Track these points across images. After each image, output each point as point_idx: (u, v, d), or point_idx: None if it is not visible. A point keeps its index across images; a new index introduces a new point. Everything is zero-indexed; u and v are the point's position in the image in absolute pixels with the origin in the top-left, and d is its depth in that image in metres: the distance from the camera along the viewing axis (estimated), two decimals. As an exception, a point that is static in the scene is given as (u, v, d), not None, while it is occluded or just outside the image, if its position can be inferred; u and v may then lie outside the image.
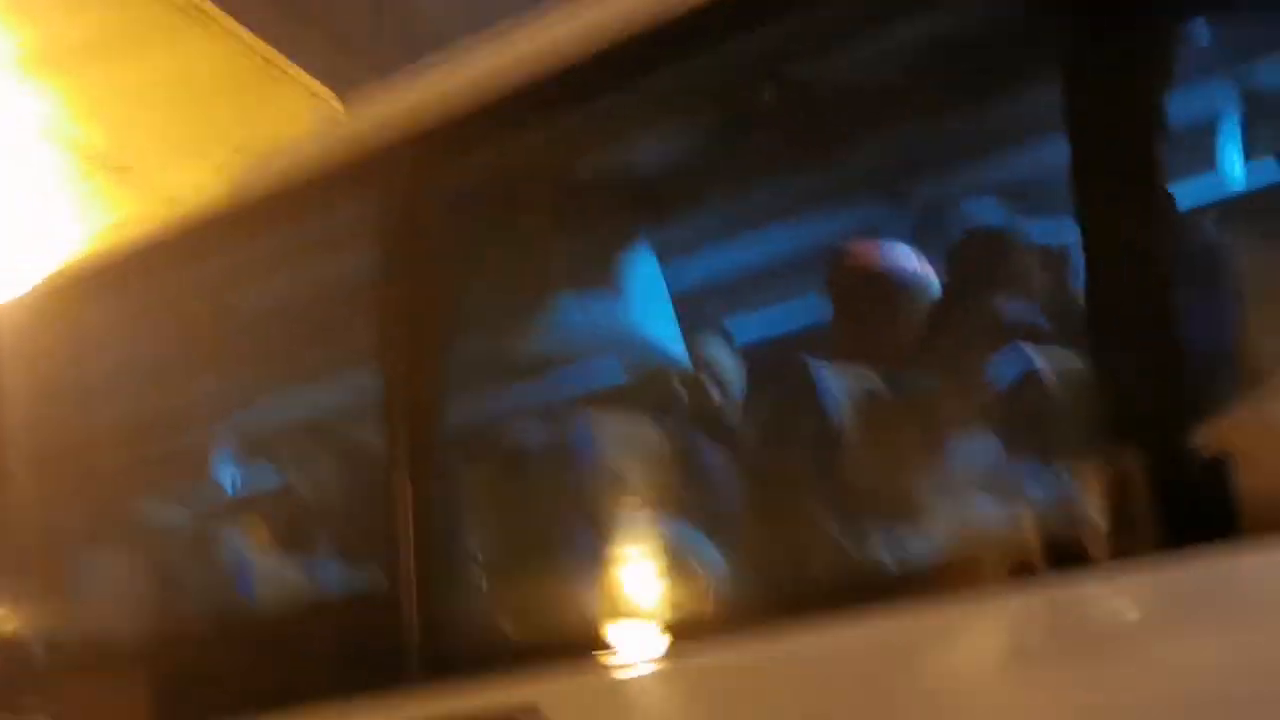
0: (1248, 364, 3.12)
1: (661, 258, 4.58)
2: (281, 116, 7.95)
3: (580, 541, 3.96)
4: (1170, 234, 3.10)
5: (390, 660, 3.88)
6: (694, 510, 3.91)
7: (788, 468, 3.85)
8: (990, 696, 3.12)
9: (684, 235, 4.67)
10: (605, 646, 3.63)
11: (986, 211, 4.16)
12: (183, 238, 4.76)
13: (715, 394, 4.38)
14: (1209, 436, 2.90)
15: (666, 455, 4.07)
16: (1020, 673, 3.09)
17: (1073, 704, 3.00)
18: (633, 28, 3.78)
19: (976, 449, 3.56)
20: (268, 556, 5.03)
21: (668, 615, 3.69)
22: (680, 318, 4.62)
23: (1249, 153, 3.97)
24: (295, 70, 8.34)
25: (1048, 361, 3.53)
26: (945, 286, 4.15)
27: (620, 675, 3.61)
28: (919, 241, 4.26)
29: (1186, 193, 3.50)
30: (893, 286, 4.14)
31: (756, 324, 4.74)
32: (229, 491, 5.75)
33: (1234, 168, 3.98)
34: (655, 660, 3.56)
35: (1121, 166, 3.06)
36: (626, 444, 4.06)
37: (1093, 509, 3.05)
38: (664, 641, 3.57)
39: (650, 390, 4.51)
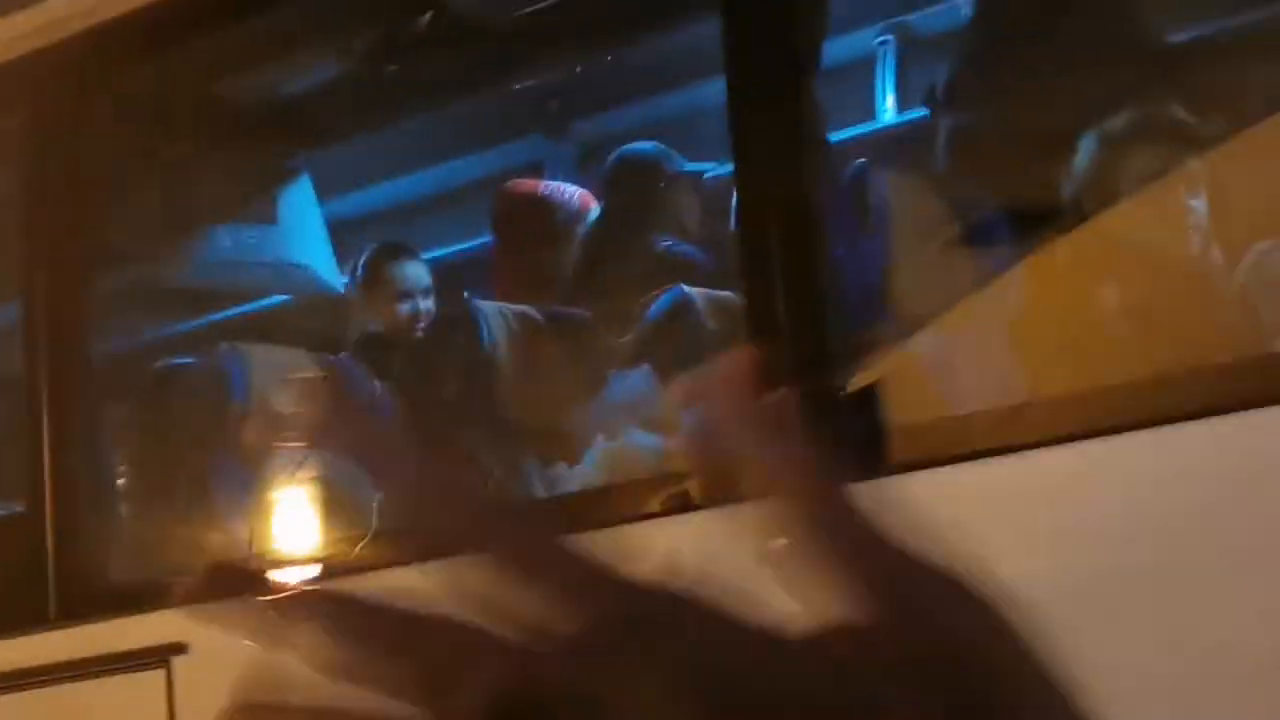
0: (899, 300, 3.18)
1: (319, 187, 4.50)
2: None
3: (232, 476, 3.88)
4: (823, 172, 3.14)
5: (30, 598, 3.76)
6: (350, 443, 3.85)
7: (447, 402, 3.82)
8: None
9: (343, 165, 4.60)
10: (259, 583, 3.57)
11: (642, 145, 4.18)
12: None
13: (374, 326, 4.32)
14: (860, 373, 2.95)
15: (322, 388, 4.01)
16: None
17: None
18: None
19: (632, 381, 3.58)
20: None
21: (324, 551, 3.64)
22: (338, 248, 4.55)
23: (902, 94, 4.05)
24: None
25: (701, 295, 3.56)
26: (602, 219, 4.16)
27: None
28: (578, 177, 4.26)
29: (842, 132, 3.55)
30: (552, 218, 4.14)
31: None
32: None
33: (887, 108, 4.06)
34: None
35: (777, 105, 3.08)
36: (281, 376, 3.98)
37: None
38: (320, 577, 3.52)
39: (306, 321, 4.45)
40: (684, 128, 4.26)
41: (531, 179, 4.36)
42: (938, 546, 0.66)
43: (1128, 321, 2.90)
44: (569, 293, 4.01)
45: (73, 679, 3.69)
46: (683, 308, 3.56)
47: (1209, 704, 2.51)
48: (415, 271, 4.25)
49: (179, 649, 3.51)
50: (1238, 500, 2.53)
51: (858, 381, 2.93)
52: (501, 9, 3.99)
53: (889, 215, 3.30)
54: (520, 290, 4.04)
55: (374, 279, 4.26)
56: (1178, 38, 3.37)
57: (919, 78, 3.96)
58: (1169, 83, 3.16)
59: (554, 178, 4.41)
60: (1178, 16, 3.36)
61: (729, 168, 3.66)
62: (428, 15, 3.91)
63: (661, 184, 4.06)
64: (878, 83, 4.10)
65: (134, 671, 3.58)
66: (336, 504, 3.70)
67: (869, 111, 4.07)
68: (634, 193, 4.08)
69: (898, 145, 3.80)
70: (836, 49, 3.30)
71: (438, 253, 4.62)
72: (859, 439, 2.90)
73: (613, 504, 3.25)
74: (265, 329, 4.42)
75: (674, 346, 3.56)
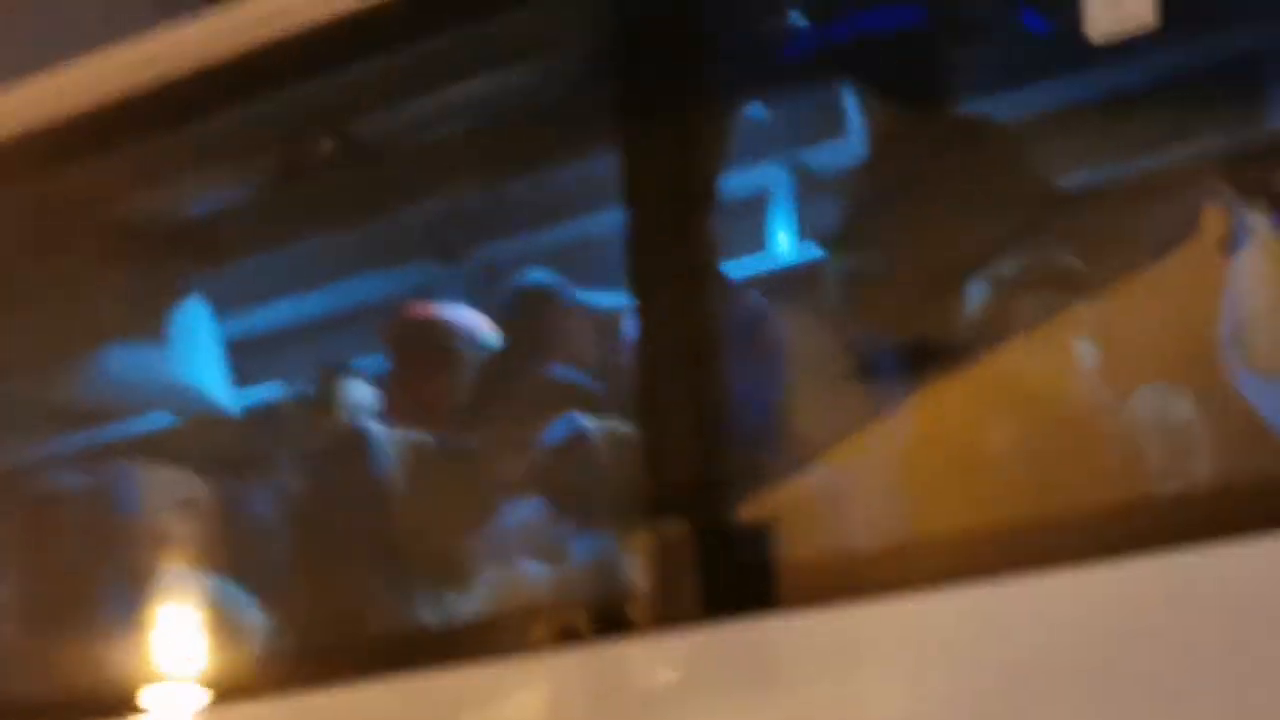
0: (792, 434, 3.20)
1: (215, 306, 4.49)
2: None
3: (118, 595, 3.84)
4: (719, 306, 3.17)
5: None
6: (238, 565, 3.84)
7: (337, 525, 3.81)
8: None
9: (239, 284, 4.58)
10: (140, 705, 3.53)
11: (539, 274, 4.20)
12: None
13: (268, 446, 4.30)
14: (752, 506, 2.97)
15: (211, 508, 3.98)
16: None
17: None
18: (189, 67, 3.70)
19: (524, 510, 3.58)
20: None
21: (208, 672, 3.60)
22: (233, 367, 4.53)
23: (797, 230, 4.09)
24: None
25: (596, 425, 3.57)
26: (499, 347, 4.17)
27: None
28: (474, 302, 4.27)
29: (736, 266, 3.59)
30: (448, 343, 4.15)
31: (310, 377, 4.67)
32: None
33: (782, 244, 4.10)
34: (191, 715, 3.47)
35: (673, 238, 3.11)
36: (170, 495, 3.95)
37: (637, 574, 3.09)
38: (203, 699, 3.48)
39: (197, 440, 4.42)
40: (578, 256, 4.28)
41: (426, 303, 4.36)
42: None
43: (1016, 461, 2.93)
44: (463, 418, 4.02)
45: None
46: (576, 437, 3.57)
47: None
48: (365, 391, 4.25)
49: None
50: (1121, 645, 2.56)
51: (748, 515, 2.95)
52: (401, 136, 4.01)
53: (783, 350, 3.33)
54: (414, 414, 4.04)
55: (326, 396, 4.25)
56: (1067, 183, 3.43)
57: (813, 214, 4.02)
58: (1058, 227, 3.22)
59: (446, 302, 4.42)
60: (1067, 162, 3.43)
61: (624, 298, 3.69)
62: (328, 141, 3.94)
63: (557, 313, 4.08)
64: (771, 218, 4.14)
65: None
66: (220, 626, 3.68)
67: (762, 246, 4.10)
68: (529, 321, 4.10)
69: (792, 281, 3.84)
70: (731, 183, 3.34)
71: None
72: (748, 573, 2.92)
73: (501, 634, 3.24)
74: (154, 448, 4.39)
75: (567, 476, 3.57)
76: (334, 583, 3.68)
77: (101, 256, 4.26)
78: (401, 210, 4.36)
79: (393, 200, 4.27)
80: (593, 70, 3.48)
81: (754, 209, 4.07)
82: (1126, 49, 2.96)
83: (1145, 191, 3.26)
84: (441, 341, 4.16)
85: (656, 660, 3.03)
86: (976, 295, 3.17)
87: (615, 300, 4.00)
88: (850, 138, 3.59)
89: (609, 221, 3.71)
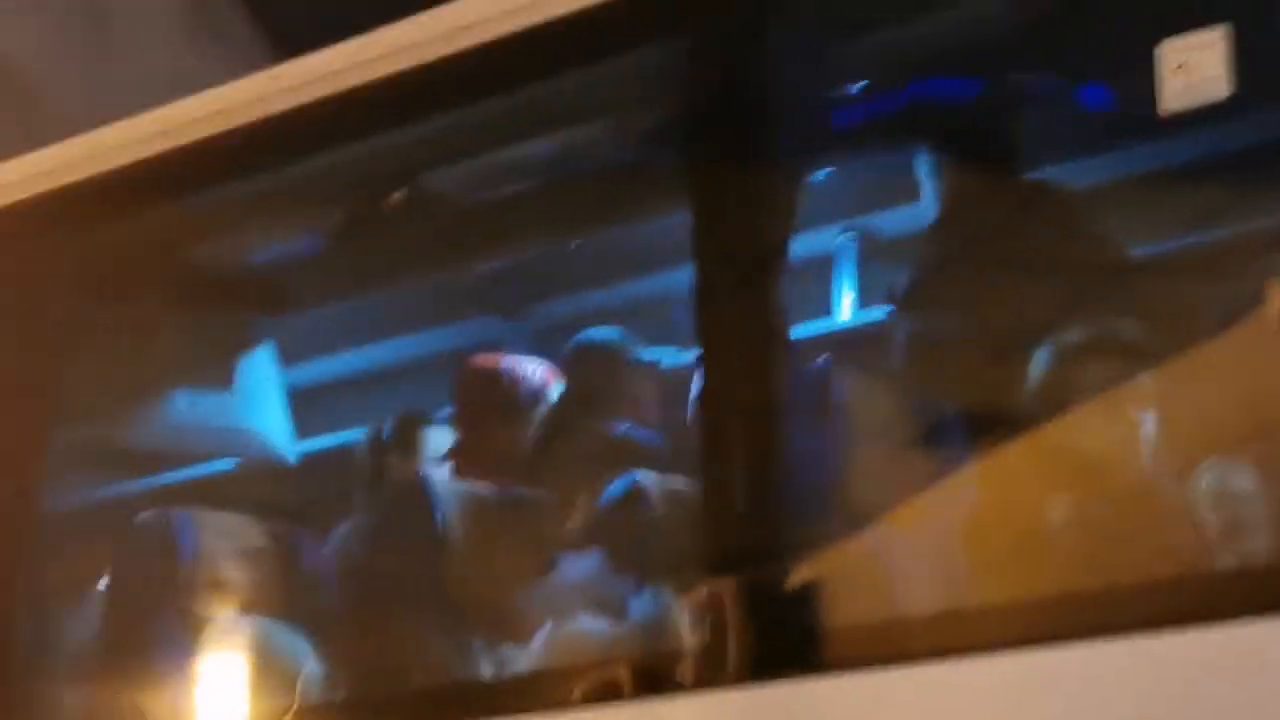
0: (850, 497, 3.20)
1: (280, 354, 4.52)
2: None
3: (173, 637, 3.86)
4: (783, 366, 3.17)
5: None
6: (294, 613, 3.85)
7: (395, 574, 3.82)
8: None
9: (304, 333, 4.61)
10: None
11: (603, 331, 4.21)
12: None
13: (328, 494, 4.32)
14: (807, 567, 2.96)
15: (269, 555, 4.00)
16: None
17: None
18: (262, 117, 3.75)
19: (582, 564, 3.58)
20: None
21: (259, 716, 3.62)
22: (297, 416, 4.56)
23: (860, 293, 4.10)
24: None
25: (655, 482, 3.57)
26: (561, 401, 4.18)
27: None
28: (539, 356, 4.29)
29: (801, 328, 3.59)
30: (511, 395, 4.16)
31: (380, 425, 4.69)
32: None
33: (846, 307, 4.10)
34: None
35: (740, 298, 3.12)
36: (229, 541, 3.98)
37: (689, 632, 3.09)
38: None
39: (257, 487, 4.44)
40: (642, 314, 4.30)
41: (494, 355, 4.37)
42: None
43: (1073, 531, 2.92)
44: (525, 470, 4.02)
45: None
46: (636, 495, 3.58)
47: None
48: (442, 438, 4.27)
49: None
50: (1172, 715, 2.53)
51: (801, 576, 2.94)
52: (471, 190, 4.04)
53: (845, 412, 3.33)
54: (477, 465, 4.05)
55: (405, 441, 4.27)
56: (1133, 254, 3.43)
57: (877, 278, 4.02)
58: (1123, 297, 3.21)
59: (511, 355, 4.43)
60: (1133, 234, 3.42)
61: (688, 356, 3.70)
62: (399, 193, 3.97)
63: (620, 370, 4.09)
64: (836, 281, 4.15)
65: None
66: (275, 673, 3.69)
67: (825, 309, 4.11)
68: (592, 377, 4.11)
69: (855, 343, 3.84)
70: (797, 246, 3.35)
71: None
72: (798, 634, 2.91)
73: (552, 688, 3.24)
74: (215, 494, 4.42)
75: (625, 532, 3.57)
76: (389, 632, 3.69)
77: (172, 302, 4.30)
78: (468, 264, 4.39)
79: (460, 254, 4.29)
80: (663, 131, 3.50)
81: (818, 271, 4.08)
82: (1195, 120, 2.96)
83: (1210, 264, 3.25)
84: (505, 394, 4.17)
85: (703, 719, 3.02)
86: (1039, 363, 3.17)
87: (679, 358, 4.02)
88: (920, 202, 3.60)
89: (675, 280, 3.73)
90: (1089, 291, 3.22)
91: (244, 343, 4.48)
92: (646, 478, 3.61)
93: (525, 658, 3.47)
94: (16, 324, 3.98)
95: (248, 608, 3.88)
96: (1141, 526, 2.87)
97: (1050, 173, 3.52)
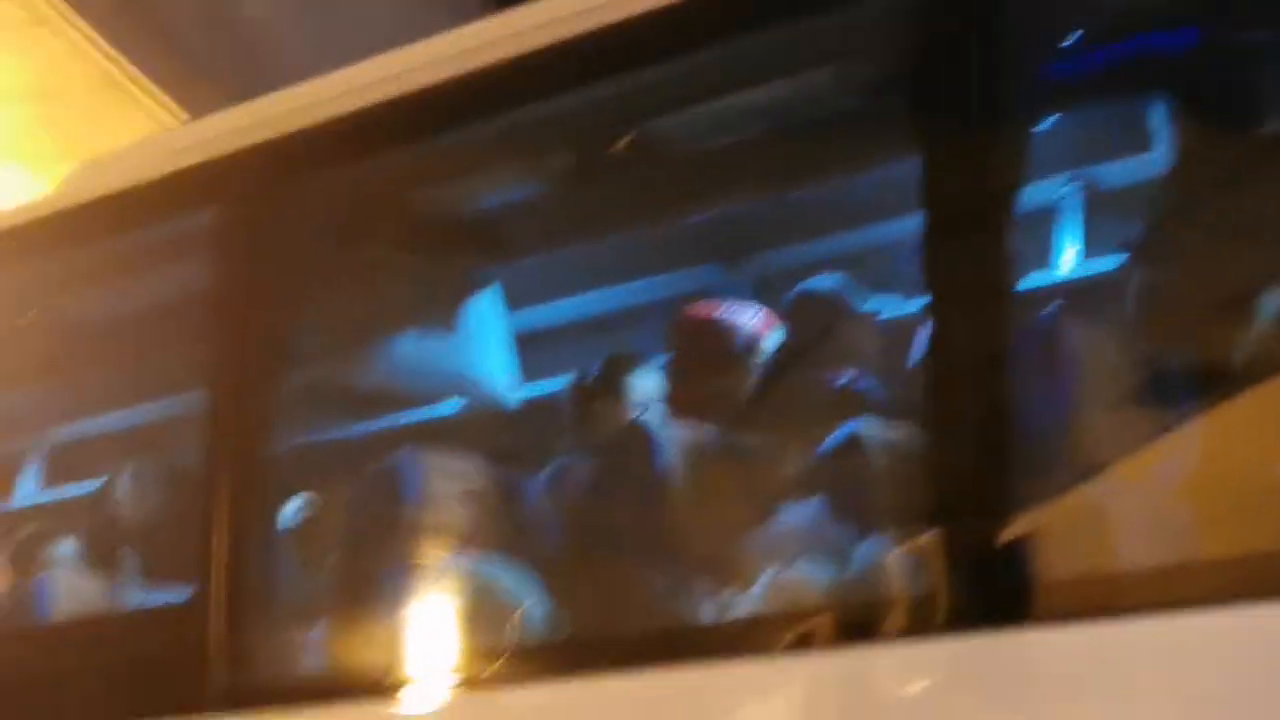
0: (1074, 449, 3.17)
1: (505, 298, 4.57)
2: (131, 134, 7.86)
3: (397, 576, 3.92)
4: (1010, 317, 3.15)
5: (189, 686, 3.81)
6: (516, 554, 3.90)
7: (617, 517, 3.85)
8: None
9: (528, 279, 4.66)
10: (416, 683, 3.61)
11: (825, 280, 4.21)
12: (9, 240, 4.66)
13: (549, 438, 4.36)
14: (1029, 519, 2.94)
15: (492, 496, 4.05)
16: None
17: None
18: (488, 64, 3.78)
19: (803, 512, 3.59)
20: (74, 572, 4.94)
21: (482, 658, 3.66)
22: (520, 360, 4.61)
23: (1086, 244, 4.05)
24: (147, 87, 8.26)
25: (876, 432, 3.56)
26: (779, 351, 4.18)
27: (427, 714, 3.59)
28: (760, 305, 4.29)
29: (1028, 279, 3.57)
30: (729, 344, 4.17)
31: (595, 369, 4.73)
32: (39, 503, 5.65)
33: (1072, 258, 4.06)
34: (460, 699, 3.54)
35: (968, 248, 3.10)
36: (452, 483, 4.03)
37: (906, 581, 3.09)
38: (476, 685, 3.55)
39: (480, 430, 4.50)
40: (863, 264, 4.29)
41: (712, 303, 4.39)
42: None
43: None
44: (741, 418, 4.03)
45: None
46: (856, 444, 3.57)
47: None
48: (651, 381, 4.30)
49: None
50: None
51: (1019, 527, 2.93)
52: (696, 138, 4.05)
53: (1072, 365, 3.29)
54: (693, 411, 4.07)
55: (610, 385, 4.30)
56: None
57: (1101, 229, 3.97)
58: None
59: (731, 304, 4.44)
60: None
61: (909, 306, 3.68)
62: (624, 140, 3.99)
63: (841, 320, 4.08)
64: (1060, 232, 4.11)
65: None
66: (496, 614, 3.74)
67: (1052, 260, 4.07)
68: (813, 326, 4.10)
69: (1083, 295, 3.79)
70: (1024, 196, 3.32)
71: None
72: (1014, 585, 2.90)
73: (763, 634, 3.26)
74: (441, 436, 4.48)
75: (846, 481, 3.57)
76: (611, 574, 3.73)
77: (400, 247, 4.36)
78: (691, 212, 4.40)
79: (683, 201, 4.31)
80: (889, 79, 3.48)
81: (1044, 222, 4.04)
82: None
83: None
84: (722, 341, 4.19)
85: (911, 668, 3.03)
86: (1268, 314, 3.11)
87: (900, 308, 4.00)
88: (1149, 153, 3.55)
89: (897, 230, 3.71)
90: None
91: (469, 287, 4.54)
92: (866, 427, 3.60)
93: (745, 603, 3.49)
94: (249, 267, 4.06)
95: (471, 549, 3.93)
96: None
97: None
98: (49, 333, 4.91)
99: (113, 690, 4.03)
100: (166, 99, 8.31)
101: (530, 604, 3.74)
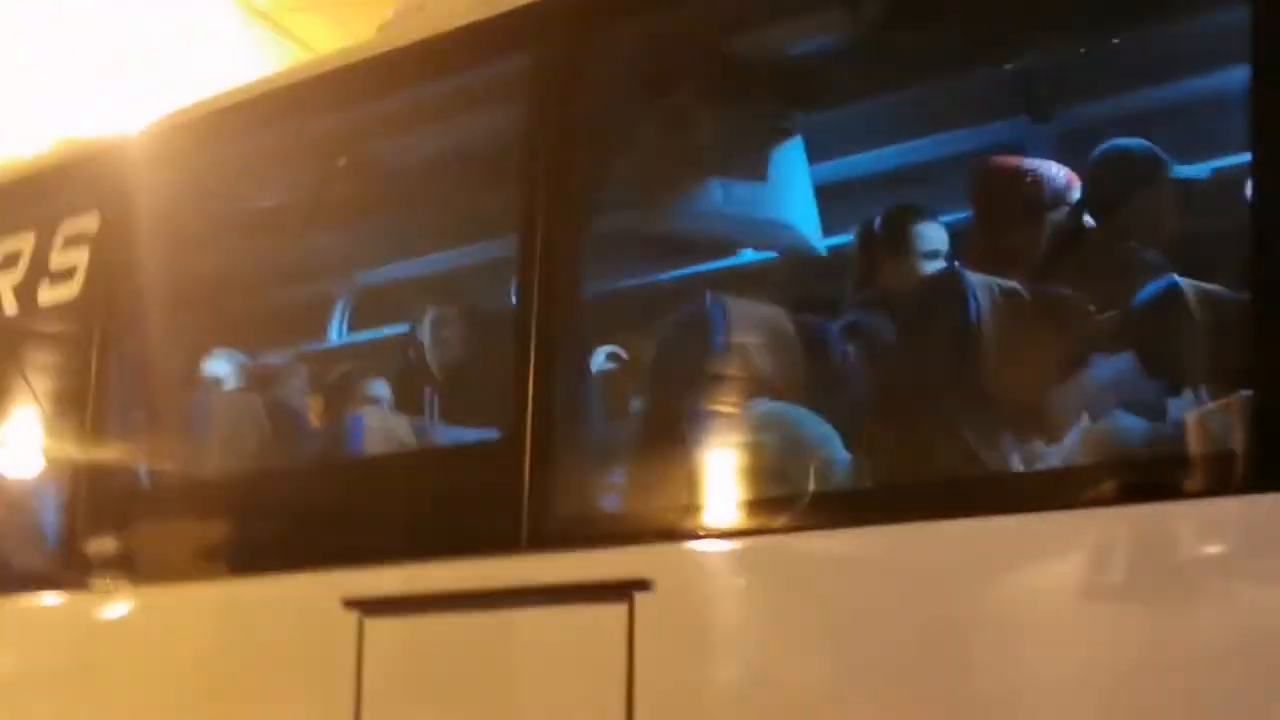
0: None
1: (810, 149, 4.56)
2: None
3: (702, 420, 3.96)
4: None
5: (503, 523, 3.89)
6: (821, 402, 3.91)
7: (927, 365, 3.84)
8: (1067, 611, 3.16)
9: (829, 131, 4.64)
10: (719, 525, 3.66)
11: (1131, 142, 4.12)
12: (321, 87, 4.75)
13: (851, 287, 4.36)
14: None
15: (798, 343, 4.06)
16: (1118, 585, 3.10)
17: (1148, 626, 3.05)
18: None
19: (1116, 365, 3.56)
20: (384, 411, 5.07)
21: (780, 501, 3.69)
22: (824, 210, 4.61)
23: None
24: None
25: (1193, 286, 3.51)
26: (1082, 208, 4.12)
27: (733, 553, 3.64)
28: (1062, 161, 4.23)
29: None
30: (1034, 196, 4.12)
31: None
32: (349, 344, 5.80)
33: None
34: (768, 541, 3.58)
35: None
36: (758, 330, 4.05)
37: (1205, 439, 3.07)
38: (777, 523, 3.58)
39: (787, 278, 4.51)
40: (1170, 121, 4.20)
41: (1015, 156, 4.34)
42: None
43: None
44: (1042, 271, 3.99)
45: (536, 605, 3.81)
46: (1173, 297, 3.52)
47: None
48: (936, 233, 4.28)
49: (644, 585, 3.60)
50: None
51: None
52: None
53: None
54: (995, 264, 4.03)
55: (895, 236, 4.29)
56: None
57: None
58: None
59: (1035, 158, 4.38)
60: None
61: (1221, 166, 3.60)
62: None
63: (1147, 183, 3.99)
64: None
65: (597, 603, 3.68)
66: (801, 459, 3.76)
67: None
68: (1118, 188, 4.03)
69: None
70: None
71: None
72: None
73: (1088, 485, 3.24)
74: (747, 283, 4.50)
75: (1160, 335, 3.52)
76: (918, 422, 3.72)
77: (709, 94, 4.37)
78: (999, 63, 4.34)
79: (992, 52, 4.25)
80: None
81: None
82: None
83: None
84: (1027, 193, 4.13)
85: (1210, 527, 3.00)
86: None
87: (1200, 170, 3.93)
88: None
89: (1215, 84, 3.62)
90: None
91: (776, 137, 4.53)
92: (1184, 282, 3.54)
93: (1056, 453, 3.47)
94: (562, 113, 4.09)
95: (776, 395, 3.95)
96: None
97: None
98: (360, 178, 5.02)
99: (422, 525, 4.14)
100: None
101: (835, 451, 3.76)
